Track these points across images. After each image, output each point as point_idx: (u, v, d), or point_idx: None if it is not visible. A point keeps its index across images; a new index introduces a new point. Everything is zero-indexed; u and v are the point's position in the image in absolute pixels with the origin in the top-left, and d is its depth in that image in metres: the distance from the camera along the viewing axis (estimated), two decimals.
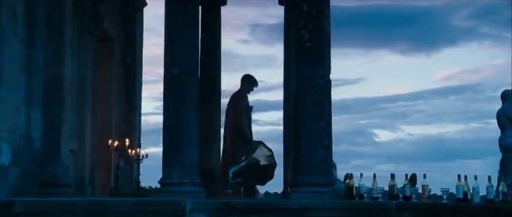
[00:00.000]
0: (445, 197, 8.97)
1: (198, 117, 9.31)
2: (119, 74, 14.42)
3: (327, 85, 9.26)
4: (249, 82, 10.59)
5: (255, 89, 10.64)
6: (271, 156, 9.70)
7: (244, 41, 32.38)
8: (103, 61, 13.55)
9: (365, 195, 9.07)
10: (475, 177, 8.91)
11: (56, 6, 9.95)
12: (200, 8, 13.70)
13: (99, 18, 12.09)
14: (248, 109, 10.42)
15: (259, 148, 9.64)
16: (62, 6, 10.05)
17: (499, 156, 9.98)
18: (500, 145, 10.04)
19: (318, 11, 9.28)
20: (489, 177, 8.94)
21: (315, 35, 9.25)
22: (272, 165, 9.65)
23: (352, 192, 8.98)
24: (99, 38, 12.99)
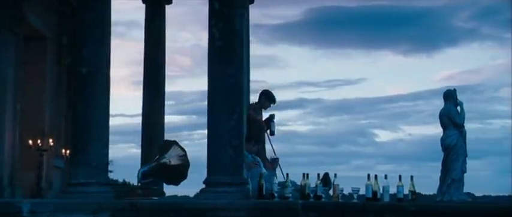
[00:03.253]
0: (355, 196, 8.97)
1: (108, 117, 9.19)
2: (54, 73, 14.25)
3: (237, 84, 9.17)
4: (266, 98, 10.39)
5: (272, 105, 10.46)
6: (184, 156, 9.56)
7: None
8: (34, 60, 13.36)
9: (276, 194, 9.04)
10: (386, 177, 8.93)
11: None
12: (145, 6, 13.78)
13: (21, 16, 11.88)
14: (261, 128, 10.17)
15: (172, 148, 9.51)
16: None
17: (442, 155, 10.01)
18: (442, 145, 10.11)
19: (229, 9, 9.19)
20: (400, 177, 8.98)
21: (226, 33, 9.16)
22: (185, 165, 9.53)
23: (262, 191, 8.93)
24: (27, 37, 12.79)
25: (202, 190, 9.01)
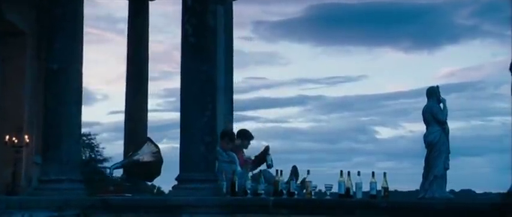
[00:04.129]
0: (328, 193, 8.96)
1: (80, 113, 9.14)
2: (34, 69, 14.14)
3: (210, 81, 9.15)
4: (245, 138, 10.30)
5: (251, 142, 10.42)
6: (157, 153, 9.56)
7: (248, 38, 32.32)
8: (13, 56, 13.26)
9: (249, 191, 9.01)
10: (359, 173, 8.92)
11: None
12: (128, 2, 13.73)
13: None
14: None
15: (146, 144, 9.51)
16: None
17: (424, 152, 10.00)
18: (425, 142, 10.11)
19: (202, 6, 9.16)
20: (373, 173, 8.96)
21: (198, 30, 9.13)
22: (158, 162, 9.51)
23: (235, 188, 8.91)
24: (6, 32, 12.70)
25: (174, 187, 9.00)
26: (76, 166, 8.97)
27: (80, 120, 9.15)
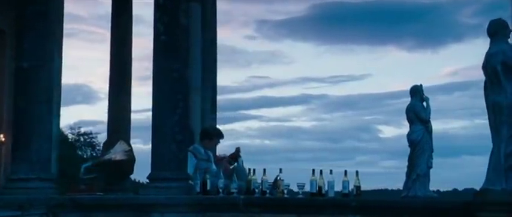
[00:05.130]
0: (300, 192, 8.94)
1: (51, 112, 9.09)
2: (12, 68, 14.04)
3: (182, 79, 9.11)
4: (217, 136, 10.22)
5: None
6: (130, 151, 9.53)
7: (251, 37, 32.23)
8: None
9: (220, 190, 8.98)
10: (331, 172, 8.91)
11: None
12: (111, 1, 13.64)
13: None
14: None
15: (118, 143, 9.47)
16: None
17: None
18: (408, 140, 10.12)
19: (173, 4, 9.12)
20: (345, 171, 8.95)
21: (170, 28, 9.09)
22: (131, 160, 9.48)
23: (206, 187, 8.87)
24: None
25: (145, 186, 8.96)
26: (47, 166, 8.91)
27: (53, 120, 9.08)
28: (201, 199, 8.56)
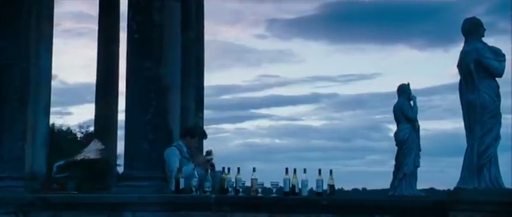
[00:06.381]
0: (274, 190, 8.93)
1: (24, 110, 9.07)
2: None
3: (155, 77, 9.08)
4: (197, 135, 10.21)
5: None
6: (104, 150, 9.50)
7: (261, 36, 32.02)
8: None
9: (193, 189, 8.96)
10: (305, 171, 8.89)
11: None
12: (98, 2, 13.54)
13: None
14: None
15: (92, 142, 9.45)
16: None
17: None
18: (395, 139, 10.12)
19: (146, 2, 9.10)
20: (319, 170, 8.94)
21: (143, 26, 9.06)
22: (105, 159, 9.46)
23: (179, 185, 8.85)
24: None
25: (117, 185, 8.94)
26: (18, 165, 8.88)
27: (22, 119, 9.04)
28: (173, 198, 8.54)
